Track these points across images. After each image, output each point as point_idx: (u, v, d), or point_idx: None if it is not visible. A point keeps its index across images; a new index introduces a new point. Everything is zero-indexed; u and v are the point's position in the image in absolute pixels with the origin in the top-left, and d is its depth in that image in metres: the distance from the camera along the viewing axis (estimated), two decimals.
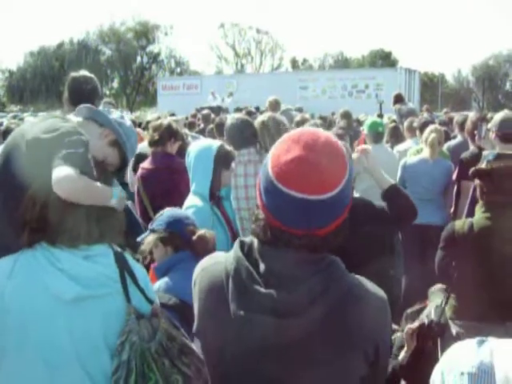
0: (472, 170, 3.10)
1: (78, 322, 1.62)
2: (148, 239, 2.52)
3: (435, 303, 3.33)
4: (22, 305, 1.59)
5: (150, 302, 1.71)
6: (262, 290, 1.23)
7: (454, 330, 2.98)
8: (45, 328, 1.60)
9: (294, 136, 1.27)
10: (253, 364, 1.29)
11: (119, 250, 1.76)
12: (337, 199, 1.23)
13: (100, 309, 1.65)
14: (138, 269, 1.79)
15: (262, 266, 1.27)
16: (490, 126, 4.41)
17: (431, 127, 5.34)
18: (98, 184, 1.87)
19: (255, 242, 1.32)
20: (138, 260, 1.93)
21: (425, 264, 3.91)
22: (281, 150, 1.25)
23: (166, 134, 4.22)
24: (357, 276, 1.36)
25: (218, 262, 1.37)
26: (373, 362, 1.33)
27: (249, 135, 3.85)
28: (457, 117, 6.76)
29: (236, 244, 1.34)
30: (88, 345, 1.63)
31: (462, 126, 6.08)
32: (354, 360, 1.30)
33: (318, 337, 1.25)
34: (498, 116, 4.32)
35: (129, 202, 3.42)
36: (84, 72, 3.20)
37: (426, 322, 3.01)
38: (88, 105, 2.42)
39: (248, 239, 1.35)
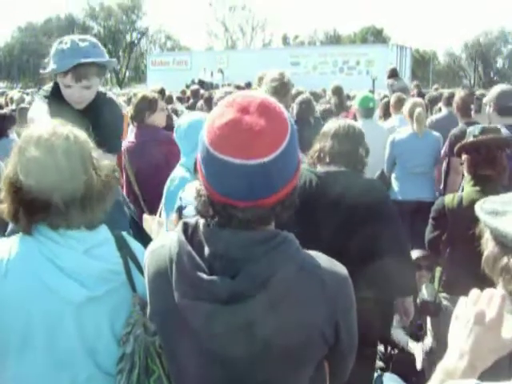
0: (458, 145, 3.07)
1: (87, 320, 1.56)
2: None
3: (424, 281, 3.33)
4: (24, 305, 1.51)
5: None
6: (205, 276, 1.15)
7: (442, 303, 2.99)
8: (52, 329, 1.54)
9: (229, 100, 1.16)
10: (199, 351, 1.24)
11: (118, 232, 1.68)
12: (279, 162, 1.12)
13: (107, 304, 1.59)
14: (140, 251, 1.69)
15: (206, 250, 1.19)
16: (486, 100, 4.34)
17: (412, 101, 5.23)
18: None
19: (200, 222, 1.23)
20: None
21: (415, 240, 3.90)
22: (215, 116, 1.14)
23: (142, 107, 4.09)
24: (313, 253, 1.27)
25: (164, 245, 1.29)
26: (333, 343, 1.27)
27: None
28: (444, 92, 6.68)
29: (179, 226, 1.25)
30: (97, 339, 1.58)
31: (448, 100, 6.05)
32: (309, 342, 1.23)
33: (267, 321, 1.16)
34: (496, 90, 4.22)
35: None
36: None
37: (419, 302, 3.00)
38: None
39: (193, 220, 1.26)
